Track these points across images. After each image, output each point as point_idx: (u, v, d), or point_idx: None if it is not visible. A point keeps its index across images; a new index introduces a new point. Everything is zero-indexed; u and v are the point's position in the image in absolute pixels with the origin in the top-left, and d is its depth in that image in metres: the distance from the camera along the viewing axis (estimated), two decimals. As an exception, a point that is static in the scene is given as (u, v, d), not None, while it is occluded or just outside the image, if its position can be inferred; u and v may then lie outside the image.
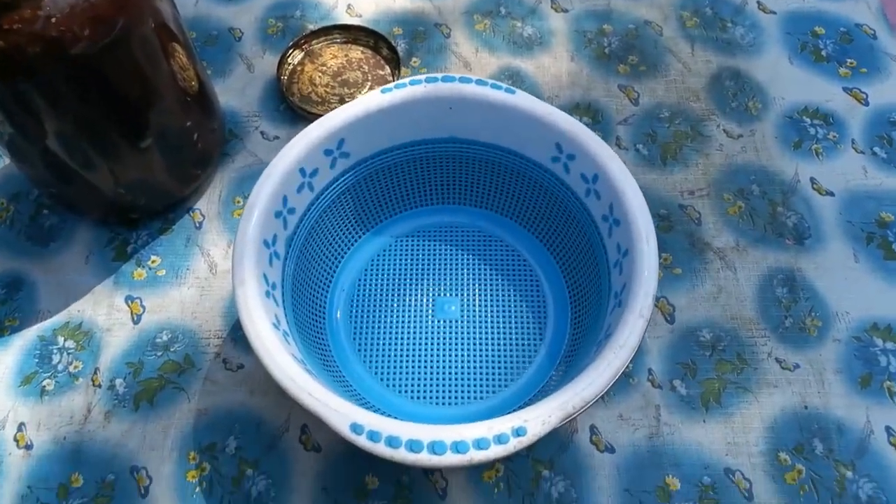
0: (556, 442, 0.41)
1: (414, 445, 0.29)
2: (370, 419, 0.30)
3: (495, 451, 0.29)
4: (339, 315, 0.44)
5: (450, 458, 0.29)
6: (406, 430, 0.29)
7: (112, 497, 0.40)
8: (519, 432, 0.29)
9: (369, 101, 0.39)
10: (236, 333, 0.45)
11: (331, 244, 0.44)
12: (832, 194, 0.49)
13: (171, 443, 0.42)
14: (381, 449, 0.29)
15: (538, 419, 0.29)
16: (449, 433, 0.29)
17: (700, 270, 0.46)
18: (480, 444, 0.29)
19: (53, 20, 0.34)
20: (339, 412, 0.30)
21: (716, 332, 0.44)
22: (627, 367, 0.43)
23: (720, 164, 0.51)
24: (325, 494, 0.40)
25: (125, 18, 0.37)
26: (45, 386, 0.43)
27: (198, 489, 0.40)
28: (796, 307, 0.45)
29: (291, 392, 0.31)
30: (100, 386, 0.43)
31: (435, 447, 0.29)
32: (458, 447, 0.29)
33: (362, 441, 0.29)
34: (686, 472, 0.40)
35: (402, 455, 0.29)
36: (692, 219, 0.48)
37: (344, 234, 0.44)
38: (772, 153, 0.51)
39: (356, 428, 0.29)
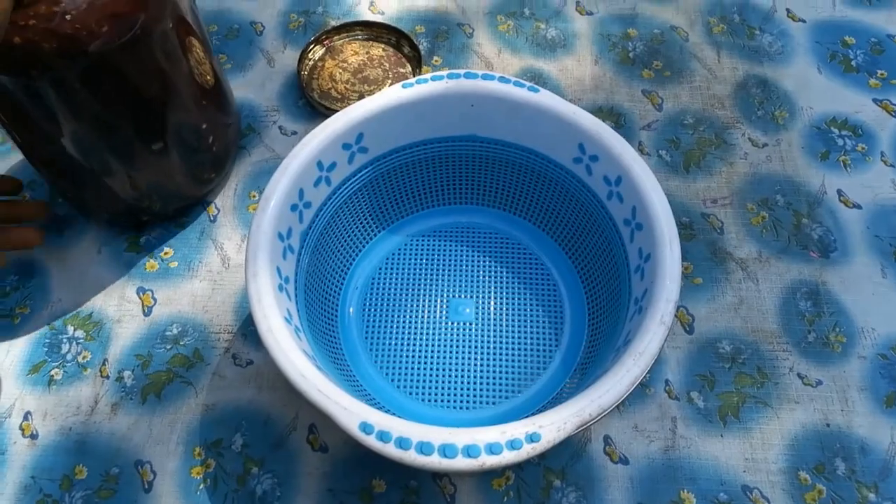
0: (569, 451, 0.40)
1: (424, 448, 0.28)
2: (380, 419, 0.29)
3: (508, 457, 0.28)
4: (351, 313, 0.43)
5: (461, 463, 0.28)
6: (417, 431, 0.28)
7: (116, 490, 0.39)
8: (533, 438, 0.28)
9: (390, 95, 0.39)
10: (247, 329, 0.44)
11: (346, 241, 0.43)
12: (859, 207, 0.48)
13: (177, 437, 0.41)
14: (390, 450, 0.28)
15: (553, 425, 0.28)
16: (461, 436, 0.28)
17: (721, 281, 0.45)
18: (493, 448, 0.28)
19: (69, 17, 0.33)
20: (349, 410, 0.29)
21: (736, 345, 0.43)
22: (644, 376, 0.42)
23: (744, 174, 0.50)
24: (331, 496, 0.39)
25: (145, 15, 0.36)
26: (53, 375, 0.43)
27: (202, 486, 0.39)
28: (820, 322, 0.43)
29: (301, 388, 0.30)
30: (108, 377, 0.43)
31: (446, 450, 0.28)
32: (469, 451, 0.28)
33: (371, 441, 0.28)
34: (702, 487, 0.39)
35: (411, 457, 0.28)
36: (714, 228, 0.47)
37: (360, 230, 0.44)
38: (798, 164, 0.50)
39: (366, 427, 0.29)
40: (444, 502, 0.39)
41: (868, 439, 0.40)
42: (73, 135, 0.39)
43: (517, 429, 0.29)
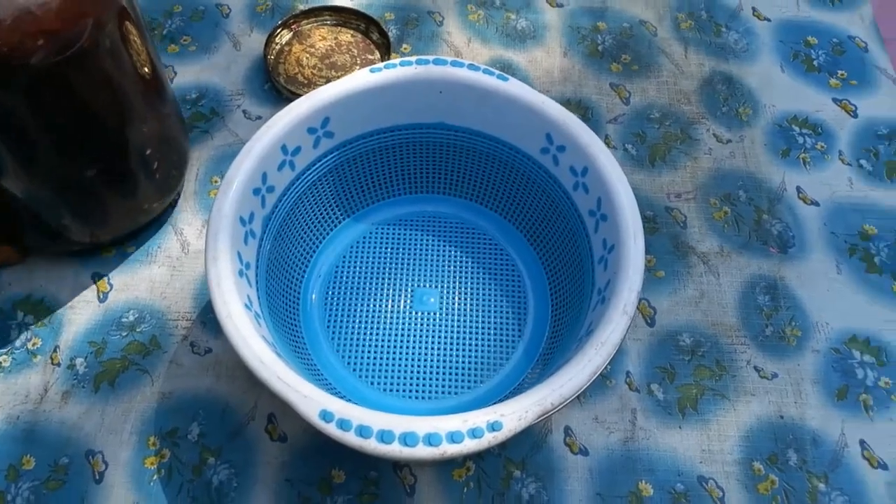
0: (530, 442, 0.40)
1: (385, 436, 0.28)
2: (341, 407, 0.28)
3: (469, 445, 0.28)
4: (313, 300, 0.42)
5: (422, 451, 0.28)
6: (377, 419, 0.28)
7: (65, 481, 0.38)
8: (494, 427, 0.28)
9: (357, 80, 0.38)
10: (206, 316, 0.43)
11: (309, 227, 0.42)
12: (817, 204, 0.49)
13: (131, 427, 0.40)
14: (350, 438, 0.28)
15: (514, 414, 0.28)
16: (422, 425, 0.28)
17: (683, 274, 0.46)
18: (454, 437, 0.28)
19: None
20: (309, 398, 0.29)
21: (696, 338, 0.43)
22: (605, 368, 0.42)
23: (708, 169, 0.50)
24: (290, 486, 0.38)
25: (91, 25, 0.32)
26: (0, 362, 0.41)
27: (156, 476, 0.38)
28: (777, 316, 0.44)
29: (260, 375, 0.29)
30: (59, 365, 0.41)
31: (407, 439, 0.28)
32: (430, 440, 0.28)
33: (331, 429, 0.28)
34: (660, 478, 0.39)
35: (372, 446, 0.28)
36: (678, 222, 0.48)
37: (324, 217, 0.43)
38: (760, 160, 0.51)
39: (326, 415, 0.28)
40: (403, 493, 0.38)
41: (819, 431, 0.41)
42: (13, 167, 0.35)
43: (479, 417, 0.28)
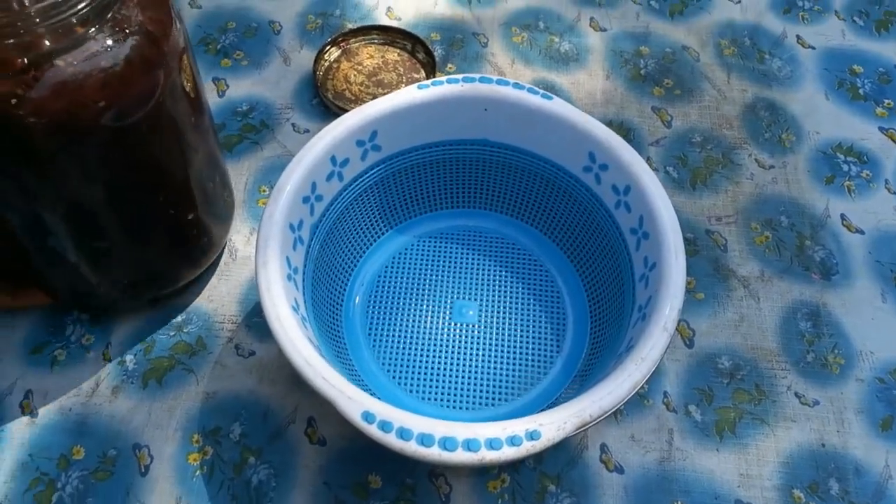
0: (565, 457, 0.40)
1: (425, 440, 0.28)
2: (383, 409, 0.29)
3: (507, 453, 0.28)
4: (356, 308, 0.43)
5: (460, 456, 0.28)
6: (418, 423, 0.29)
7: (112, 472, 0.40)
8: (533, 436, 0.28)
9: (405, 95, 0.39)
10: (251, 320, 0.45)
11: (354, 237, 0.44)
12: (862, 232, 0.48)
13: (176, 423, 0.41)
14: (391, 440, 0.29)
15: (553, 424, 0.29)
16: (461, 430, 0.29)
17: (723, 297, 0.46)
18: (493, 444, 0.28)
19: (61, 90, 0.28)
20: (353, 399, 0.29)
21: (735, 361, 0.43)
22: (643, 387, 0.42)
23: (750, 193, 0.50)
24: (327, 489, 0.39)
25: (158, 83, 0.30)
26: (56, 356, 0.43)
27: (198, 472, 0.40)
28: (819, 343, 0.44)
29: (306, 375, 0.30)
30: (110, 360, 0.43)
31: (446, 443, 0.28)
32: (469, 445, 0.28)
33: (373, 430, 0.29)
34: (696, 499, 0.39)
35: (412, 448, 0.28)
36: (718, 245, 0.48)
37: (368, 228, 0.44)
38: (803, 186, 0.51)
39: (368, 416, 0.29)
40: (438, 501, 0.39)
41: (863, 461, 0.40)
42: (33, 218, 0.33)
43: (518, 426, 0.29)
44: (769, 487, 0.39)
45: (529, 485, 0.39)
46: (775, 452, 0.40)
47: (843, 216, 0.49)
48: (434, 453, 0.28)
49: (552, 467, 0.40)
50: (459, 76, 0.40)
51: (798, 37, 0.59)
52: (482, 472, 0.39)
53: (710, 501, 0.39)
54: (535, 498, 0.39)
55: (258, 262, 0.34)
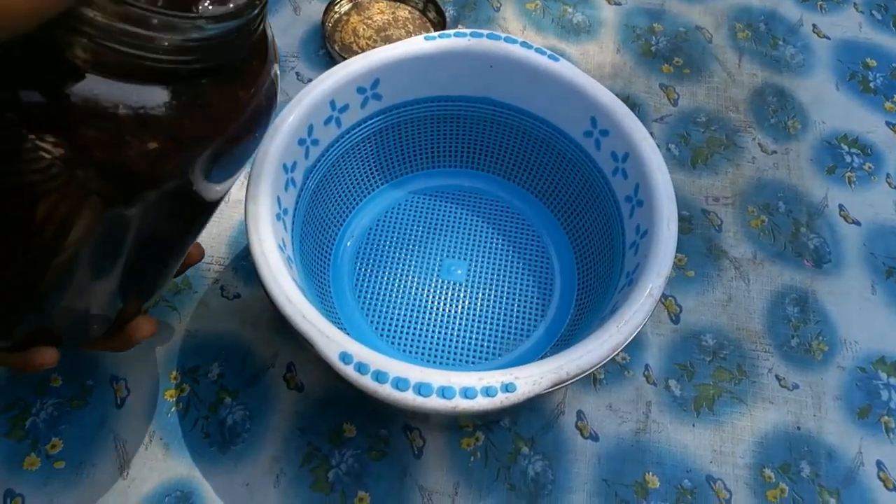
0: (541, 421, 0.40)
1: (400, 383, 0.28)
2: (361, 351, 0.29)
3: (481, 403, 0.28)
4: (344, 258, 0.43)
5: (434, 402, 0.28)
6: (395, 367, 0.29)
7: (88, 402, 0.40)
8: (508, 388, 0.28)
9: (411, 45, 0.39)
10: (238, 263, 0.45)
11: (348, 187, 0.43)
12: (858, 224, 0.48)
13: (155, 360, 0.41)
14: (366, 382, 0.28)
15: (529, 378, 0.29)
16: (437, 377, 0.28)
17: (713, 276, 0.45)
18: (467, 392, 0.28)
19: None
20: (331, 339, 0.29)
21: (719, 340, 0.43)
22: (624, 357, 0.42)
23: (749, 177, 0.50)
24: (300, 434, 0.39)
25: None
26: (40, 282, 0.43)
27: (174, 409, 0.40)
28: (805, 328, 0.44)
29: (286, 311, 0.30)
30: (94, 292, 0.43)
31: (421, 388, 0.28)
32: (444, 392, 0.28)
33: (349, 371, 0.29)
34: (668, 472, 0.39)
35: (386, 391, 0.28)
36: (713, 225, 0.48)
37: (363, 179, 0.44)
38: (804, 174, 0.50)
39: (345, 357, 0.29)
40: (411, 455, 0.39)
41: (836, 446, 0.40)
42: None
43: (494, 377, 0.29)
44: (741, 465, 0.39)
45: (503, 445, 0.39)
46: (750, 432, 0.40)
47: (841, 206, 0.49)
48: (408, 397, 0.28)
49: (527, 429, 0.40)
50: (468, 31, 0.40)
51: (814, 25, 0.59)
52: (456, 429, 0.39)
53: (682, 475, 0.39)
54: (507, 458, 0.39)
55: (248, 197, 0.34)
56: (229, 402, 0.40)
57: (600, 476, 0.38)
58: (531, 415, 0.40)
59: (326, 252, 0.42)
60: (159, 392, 0.40)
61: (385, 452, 0.39)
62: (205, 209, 0.30)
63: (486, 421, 0.40)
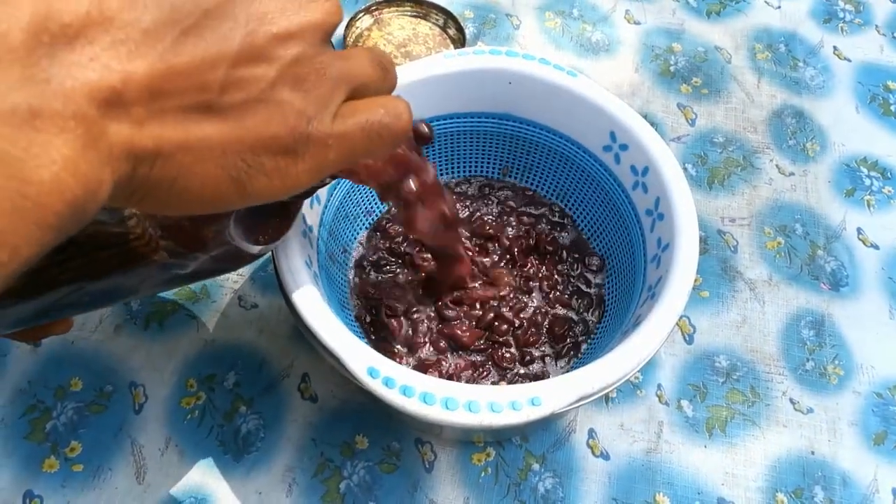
0: (552, 438, 0.40)
1: (427, 398, 0.28)
2: (388, 366, 0.29)
3: (507, 417, 0.28)
4: (360, 272, 0.43)
5: (461, 416, 0.28)
6: (421, 381, 0.29)
7: (107, 407, 0.40)
8: (534, 402, 0.28)
9: (431, 63, 0.39)
10: (257, 274, 0.45)
11: (370, 203, 0.44)
12: (877, 247, 0.48)
13: (173, 367, 0.42)
14: (393, 396, 0.28)
15: (555, 392, 0.29)
16: (463, 392, 0.28)
17: (728, 297, 0.45)
18: (493, 407, 0.28)
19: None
20: (359, 354, 0.29)
21: (733, 361, 0.43)
22: (637, 377, 0.42)
23: (766, 198, 0.50)
24: (313, 445, 0.39)
25: None
26: (63, 288, 0.44)
27: (189, 416, 0.40)
28: (820, 352, 0.44)
29: (314, 328, 0.30)
30: (115, 298, 0.44)
31: (448, 403, 0.28)
32: (470, 406, 0.28)
33: (376, 385, 0.29)
34: (678, 493, 0.39)
35: (414, 405, 0.28)
36: (729, 245, 0.48)
37: (381, 194, 0.44)
38: (822, 196, 0.50)
39: (373, 372, 0.29)
40: (422, 468, 0.39)
41: (851, 472, 0.40)
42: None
43: (519, 391, 0.29)
44: (753, 489, 0.39)
45: (514, 461, 0.39)
46: (763, 455, 0.40)
47: (859, 230, 0.49)
48: (434, 412, 0.28)
49: (538, 447, 0.40)
50: (486, 48, 0.40)
51: (835, 48, 0.58)
52: (468, 444, 0.40)
53: (693, 496, 0.39)
54: (518, 475, 0.39)
55: (270, 212, 0.34)
56: (244, 410, 0.40)
57: (610, 495, 0.38)
58: (543, 432, 0.40)
59: (348, 266, 0.42)
60: (176, 399, 0.41)
61: (396, 465, 0.39)
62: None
63: (499, 437, 0.40)
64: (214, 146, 0.18)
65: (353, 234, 0.44)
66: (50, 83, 0.15)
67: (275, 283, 0.33)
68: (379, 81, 0.22)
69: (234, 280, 0.45)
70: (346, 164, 0.22)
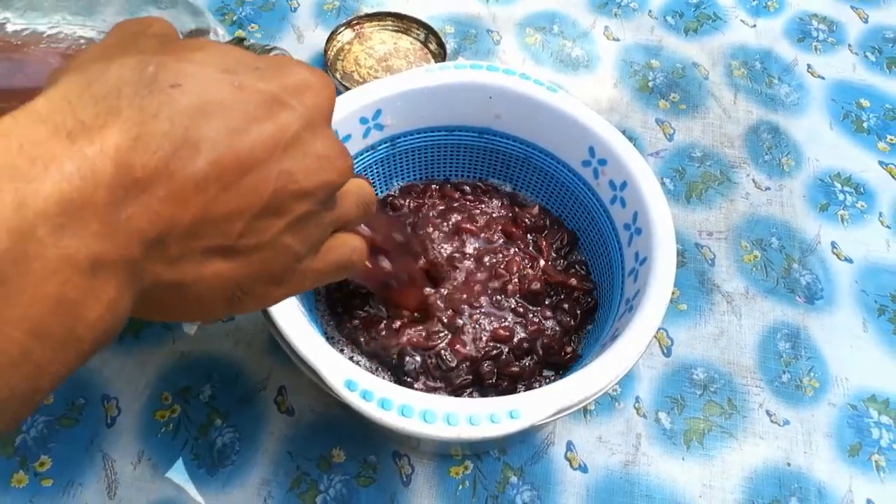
0: (530, 451, 0.40)
1: (405, 410, 0.28)
2: (366, 378, 0.29)
3: (486, 430, 0.28)
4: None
5: (439, 429, 0.28)
6: (399, 394, 0.28)
7: (78, 420, 0.39)
8: (513, 415, 0.28)
9: (412, 77, 0.39)
10: (234, 284, 0.45)
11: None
12: (850, 261, 0.49)
13: (147, 380, 0.41)
14: (371, 409, 0.28)
15: (534, 405, 0.28)
16: (442, 404, 0.28)
17: (705, 310, 0.46)
18: (472, 419, 0.28)
19: None
20: (336, 367, 0.29)
21: (710, 374, 0.43)
22: (615, 389, 0.42)
23: (743, 212, 0.50)
24: (289, 458, 0.39)
25: None
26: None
27: (164, 429, 0.39)
28: (796, 364, 0.44)
29: (291, 340, 0.30)
30: (89, 309, 0.43)
31: (426, 416, 0.28)
32: (449, 419, 0.28)
33: (354, 398, 0.28)
34: (657, 506, 0.39)
35: (392, 418, 0.28)
36: (706, 259, 0.48)
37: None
38: (797, 211, 0.51)
39: (350, 384, 0.29)
40: (399, 481, 0.39)
41: (826, 484, 0.40)
42: None
43: (497, 404, 0.29)
44: (730, 500, 0.39)
45: (491, 474, 0.39)
46: (740, 467, 0.40)
47: (833, 244, 0.49)
48: (413, 424, 0.28)
49: (516, 459, 0.40)
50: (467, 63, 0.41)
51: (809, 66, 0.60)
52: (445, 457, 0.39)
53: (671, 509, 0.39)
54: (496, 488, 0.39)
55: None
56: (219, 423, 0.40)
57: (590, 508, 0.38)
58: (521, 444, 0.40)
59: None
60: (150, 412, 0.40)
61: (373, 479, 0.39)
62: None
63: (477, 450, 0.40)
64: (223, 280, 0.21)
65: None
66: (117, 231, 0.17)
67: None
68: (359, 219, 0.26)
69: (211, 291, 0.44)
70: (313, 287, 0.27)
